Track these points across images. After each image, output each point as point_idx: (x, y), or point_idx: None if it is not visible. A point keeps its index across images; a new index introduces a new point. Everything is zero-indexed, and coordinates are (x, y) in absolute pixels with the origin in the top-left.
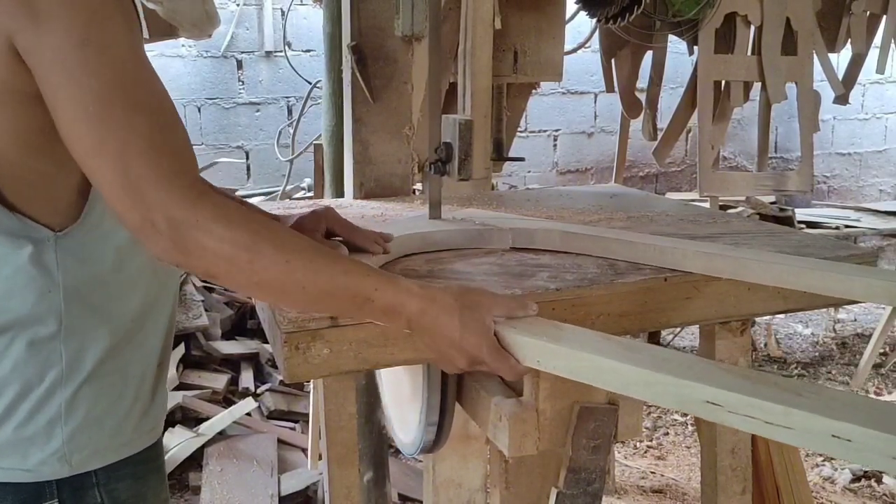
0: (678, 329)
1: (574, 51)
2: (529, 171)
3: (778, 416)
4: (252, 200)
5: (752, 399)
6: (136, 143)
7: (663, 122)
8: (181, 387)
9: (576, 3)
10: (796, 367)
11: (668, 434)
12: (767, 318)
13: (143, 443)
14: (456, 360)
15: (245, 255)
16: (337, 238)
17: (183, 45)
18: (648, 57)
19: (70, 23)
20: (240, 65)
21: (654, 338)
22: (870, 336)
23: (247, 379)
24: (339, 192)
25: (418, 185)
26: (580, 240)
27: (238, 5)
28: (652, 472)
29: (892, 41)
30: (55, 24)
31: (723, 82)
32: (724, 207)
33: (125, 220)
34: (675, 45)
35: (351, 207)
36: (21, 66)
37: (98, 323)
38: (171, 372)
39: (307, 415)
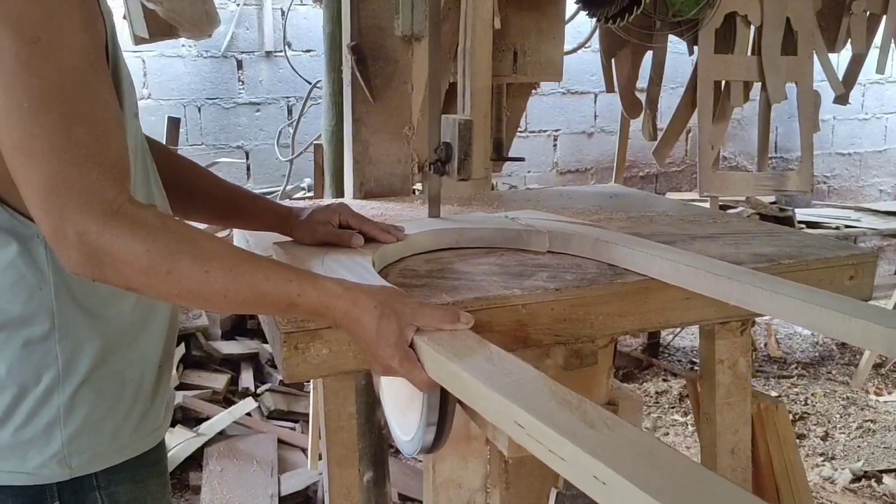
0: (678, 329)
1: (574, 51)
2: (529, 171)
3: (556, 445)
4: None
5: (543, 425)
6: (67, 151)
7: (663, 122)
8: (181, 387)
9: (576, 3)
10: (796, 367)
11: (668, 434)
12: (767, 318)
13: (143, 445)
14: (373, 365)
15: (163, 266)
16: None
17: (183, 45)
18: (648, 57)
19: (23, 17)
20: (240, 65)
21: (653, 337)
22: None
23: (247, 379)
24: (339, 192)
25: (418, 185)
26: (611, 250)
27: (238, 5)
28: None
29: (892, 41)
30: (6, 16)
31: (723, 82)
32: (724, 207)
33: (41, 225)
34: (675, 45)
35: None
36: None
37: (92, 323)
38: (171, 371)
39: (307, 415)
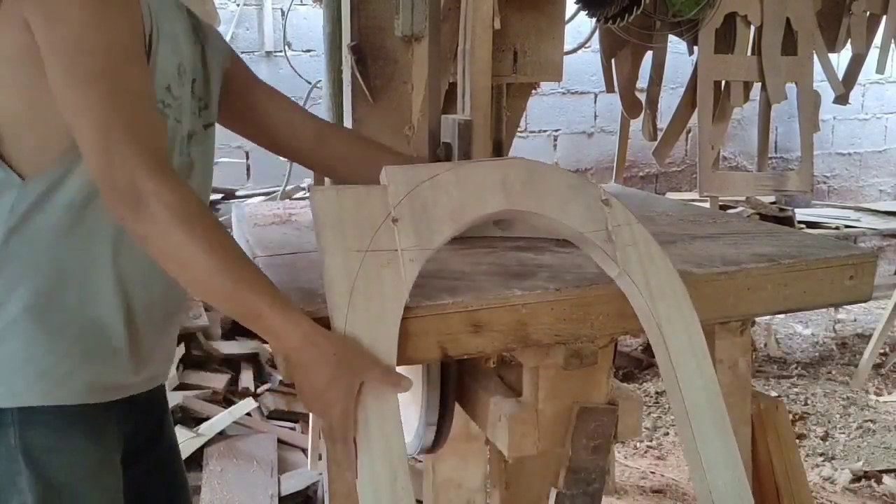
0: None
1: (574, 51)
2: None
3: None
4: (252, 200)
5: None
6: (119, 114)
7: (663, 122)
8: (181, 387)
9: (576, 3)
10: (796, 367)
11: (668, 434)
12: (767, 318)
13: (64, 398)
14: (312, 407)
15: (179, 236)
16: None
17: None
18: (648, 57)
19: (78, 8)
20: None
21: None
22: (870, 336)
23: (247, 379)
24: None
25: None
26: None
27: (238, 5)
28: (652, 472)
29: (892, 41)
30: (64, 5)
31: (723, 82)
32: (724, 207)
33: (93, 170)
34: (675, 45)
35: None
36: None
37: (25, 272)
38: (172, 371)
39: (307, 415)
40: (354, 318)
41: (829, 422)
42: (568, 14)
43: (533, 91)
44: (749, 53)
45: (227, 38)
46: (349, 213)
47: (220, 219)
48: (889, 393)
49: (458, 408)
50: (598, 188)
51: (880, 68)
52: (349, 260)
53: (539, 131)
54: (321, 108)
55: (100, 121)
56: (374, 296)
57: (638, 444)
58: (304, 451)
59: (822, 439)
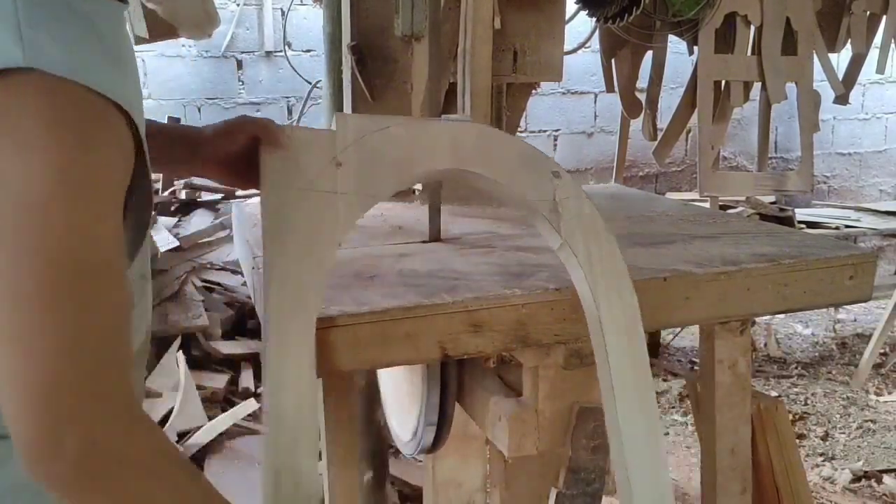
0: (678, 329)
1: (574, 51)
2: None
3: None
4: (252, 200)
5: None
6: (84, 348)
7: (663, 122)
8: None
9: (576, 3)
10: (796, 367)
11: (667, 434)
12: (767, 318)
13: None
14: None
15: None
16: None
17: (183, 45)
18: (648, 57)
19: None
20: (240, 65)
21: (653, 337)
22: (870, 336)
23: (247, 379)
24: None
25: (418, 185)
26: None
27: (238, 5)
28: None
29: (892, 41)
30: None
31: (723, 82)
32: (724, 207)
33: (20, 427)
34: (675, 45)
35: None
36: None
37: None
38: (173, 371)
39: None
40: (284, 252)
41: (829, 422)
42: (568, 14)
43: (533, 91)
44: (749, 53)
45: (227, 38)
46: (295, 152)
47: (220, 219)
48: (889, 393)
49: (458, 408)
50: (551, 160)
51: (880, 68)
52: (287, 196)
53: (539, 131)
54: (321, 108)
55: (56, 358)
56: (307, 234)
57: None
58: None
59: (822, 439)
